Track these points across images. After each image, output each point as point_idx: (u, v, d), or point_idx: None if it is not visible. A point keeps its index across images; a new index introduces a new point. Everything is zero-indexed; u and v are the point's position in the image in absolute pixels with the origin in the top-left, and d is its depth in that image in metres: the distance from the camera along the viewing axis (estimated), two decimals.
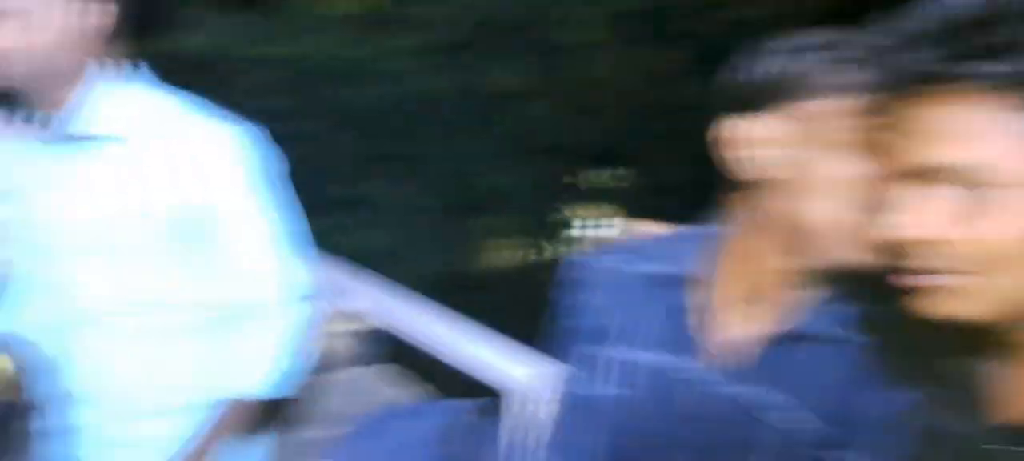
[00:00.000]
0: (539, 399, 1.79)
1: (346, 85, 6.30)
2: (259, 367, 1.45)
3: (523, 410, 1.90)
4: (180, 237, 1.41)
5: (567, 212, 8.57)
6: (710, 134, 0.98)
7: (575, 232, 8.81)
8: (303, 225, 1.52)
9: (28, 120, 1.42)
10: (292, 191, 1.51)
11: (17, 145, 1.46)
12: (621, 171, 8.26)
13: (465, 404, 1.29)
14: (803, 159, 0.91)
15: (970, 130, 0.70)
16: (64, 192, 1.41)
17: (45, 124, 1.41)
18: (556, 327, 1.14)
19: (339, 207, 5.87)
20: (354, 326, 2.73)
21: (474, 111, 6.66)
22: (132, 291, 1.42)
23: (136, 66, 1.43)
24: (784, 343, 0.98)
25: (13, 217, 1.49)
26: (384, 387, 2.63)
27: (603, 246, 1.14)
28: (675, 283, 1.04)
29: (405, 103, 6.39)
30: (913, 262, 0.75)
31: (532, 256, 8.53)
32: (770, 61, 0.93)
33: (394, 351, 2.73)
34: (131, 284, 1.42)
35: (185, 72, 1.55)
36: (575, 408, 1.11)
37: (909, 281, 0.76)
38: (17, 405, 1.57)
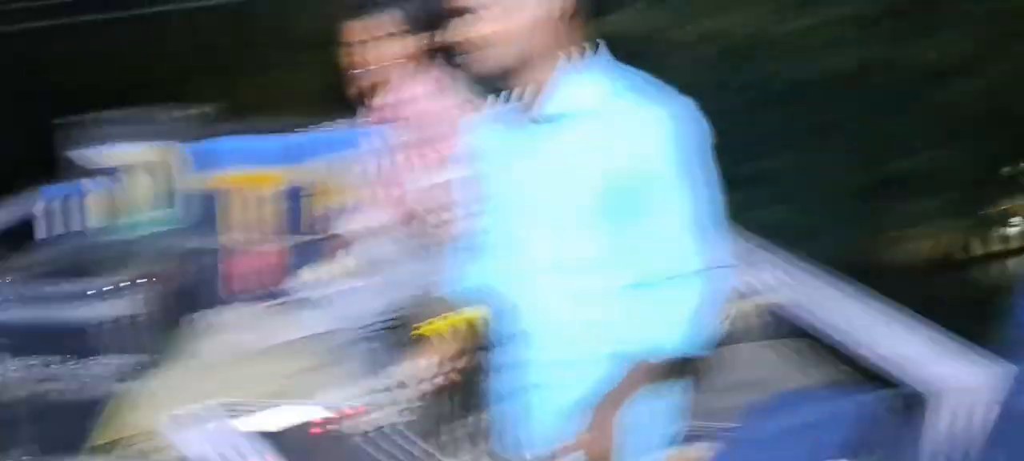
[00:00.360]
0: (972, 401, 1.66)
1: (768, 60, 6.22)
2: (675, 328, 1.56)
3: (950, 410, 1.77)
4: (614, 206, 1.55)
5: (1004, 203, 7.62)
6: None
7: (1013, 227, 7.82)
8: (721, 199, 1.58)
9: (504, 99, 1.66)
10: (714, 166, 1.57)
11: (494, 120, 1.72)
12: None
13: (879, 394, 1.26)
14: None
15: None
16: (525, 162, 1.63)
17: (517, 102, 1.63)
18: (1004, 327, 1.08)
19: (752, 182, 5.84)
20: (760, 301, 2.73)
21: (901, 86, 6.17)
22: (570, 252, 1.61)
23: (592, 47, 1.60)
24: None
25: (484, 180, 1.76)
26: (787, 364, 2.60)
27: None
28: None
29: (827, 78, 6.13)
30: None
31: (957, 248, 7.72)
32: None
33: (797, 329, 2.69)
34: (570, 246, 1.61)
35: (621, 51, 1.68)
36: (1018, 417, 1.04)
37: None
38: (486, 343, 1.85)
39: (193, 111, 4.01)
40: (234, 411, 1.69)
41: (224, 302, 3.71)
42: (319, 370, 3.00)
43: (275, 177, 3.80)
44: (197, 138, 3.84)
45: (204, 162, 3.80)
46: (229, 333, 3.39)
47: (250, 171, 3.80)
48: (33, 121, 3.95)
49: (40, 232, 4.03)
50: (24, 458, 2.90)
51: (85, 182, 3.79)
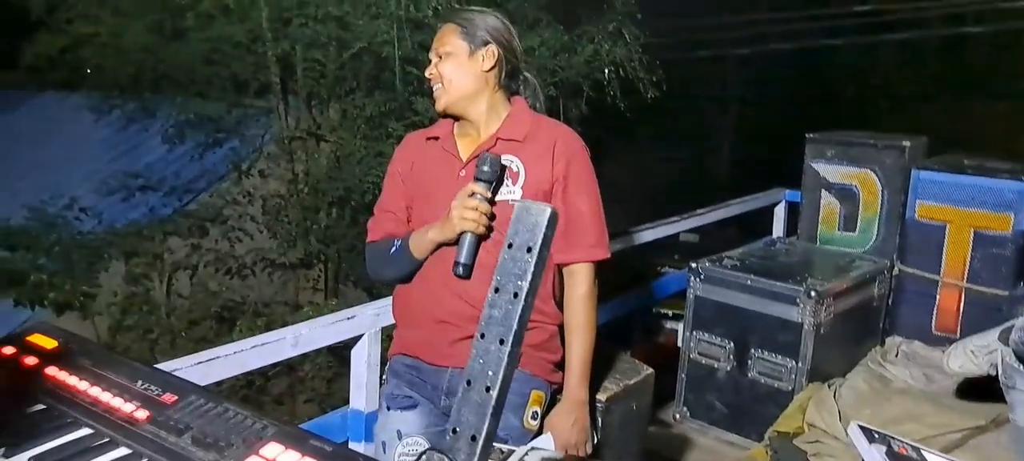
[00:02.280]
0: None
1: None
2: None
3: None
4: None
5: None
6: None
7: None
8: None
9: None
10: None
11: None
12: None
13: None
14: None
15: None
16: None
17: None
18: None
19: None
20: None
21: None
22: None
23: None
24: None
25: None
26: None
27: None
28: None
29: None
30: None
31: None
32: None
33: None
34: None
35: None
36: None
37: None
38: None
39: (917, 140, 3.94)
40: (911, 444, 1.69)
41: (918, 334, 3.62)
42: (988, 433, 2.78)
43: (1002, 220, 3.54)
44: (920, 167, 3.76)
45: (926, 192, 3.72)
46: (914, 366, 3.33)
47: (974, 210, 3.60)
48: (794, 129, 4.34)
49: (773, 230, 4.48)
50: None
51: (813, 193, 4.06)
